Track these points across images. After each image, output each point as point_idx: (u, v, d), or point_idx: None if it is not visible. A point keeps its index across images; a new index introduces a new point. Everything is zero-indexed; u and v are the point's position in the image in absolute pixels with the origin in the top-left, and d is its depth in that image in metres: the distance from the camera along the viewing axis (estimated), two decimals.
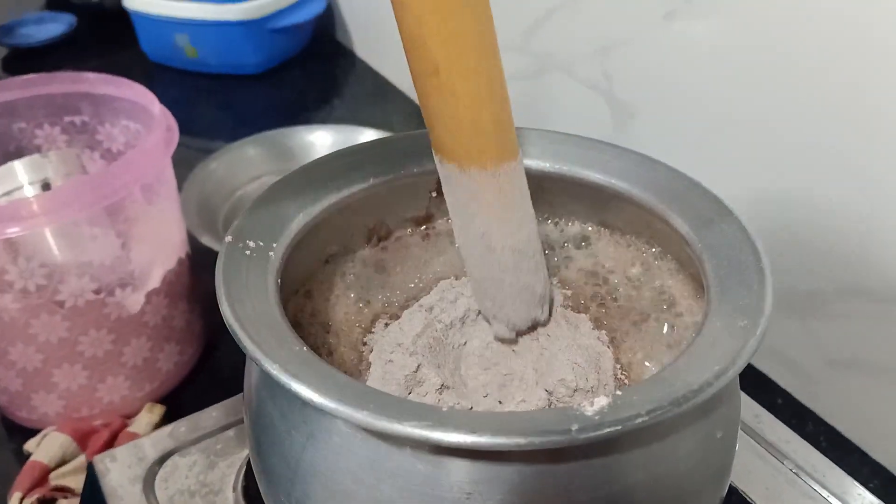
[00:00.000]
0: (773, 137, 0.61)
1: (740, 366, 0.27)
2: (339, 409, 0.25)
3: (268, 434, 0.31)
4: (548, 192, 0.40)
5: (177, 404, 0.66)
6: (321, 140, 0.81)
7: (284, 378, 0.26)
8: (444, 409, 0.25)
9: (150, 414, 0.63)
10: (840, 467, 0.61)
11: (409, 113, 1.03)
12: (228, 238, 0.32)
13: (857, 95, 0.54)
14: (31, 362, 0.59)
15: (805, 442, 0.49)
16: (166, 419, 0.64)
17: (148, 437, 0.47)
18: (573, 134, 0.39)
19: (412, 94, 1.06)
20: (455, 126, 0.30)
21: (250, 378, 0.34)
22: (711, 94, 0.65)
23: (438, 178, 0.39)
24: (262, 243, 0.33)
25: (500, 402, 0.32)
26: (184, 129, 0.62)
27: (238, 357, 0.70)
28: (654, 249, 0.38)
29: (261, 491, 0.34)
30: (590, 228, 0.40)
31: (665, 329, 0.36)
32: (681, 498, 0.30)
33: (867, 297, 0.58)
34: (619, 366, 0.35)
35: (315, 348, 0.35)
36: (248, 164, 0.78)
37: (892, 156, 0.53)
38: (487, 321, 0.34)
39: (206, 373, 0.69)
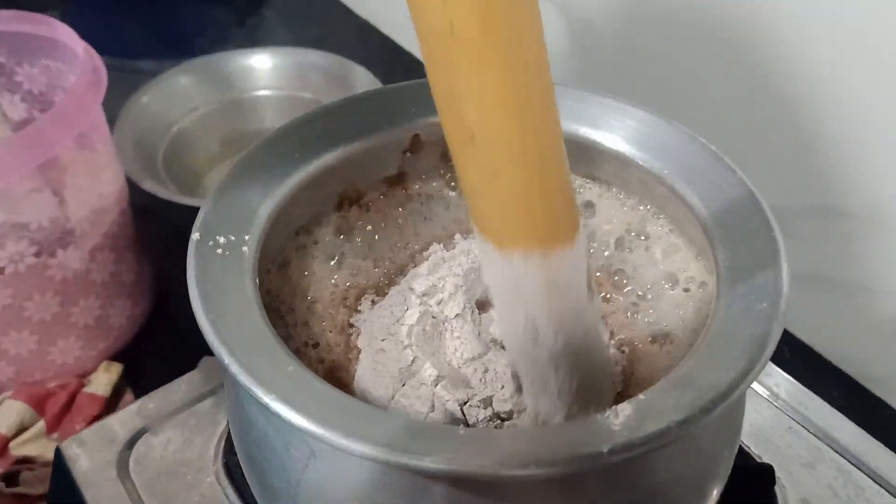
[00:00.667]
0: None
1: (766, 359, 0.25)
2: (351, 446, 0.23)
3: (262, 449, 0.29)
4: None
5: (133, 360, 0.63)
6: (261, 64, 0.75)
7: (287, 412, 0.23)
8: (462, 433, 0.24)
9: (108, 373, 0.61)
10: (804, 376, 0.62)
11: (354, 29, 0.97)
12: (196, 235, 0.29)
13: None
14: None
15: None
16: (125, 377, 0.62)
17: (115, 416, 0.45)
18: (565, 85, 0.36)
19: (357, 7, 0.99)
20: (495, 201, 0.25)
21: (232, 385, 0.32)
22: None
23: (413, 135, 0.37)
24: (232, 237, 0.30)
25: (502, 386, 0.30)
26: (105, 54, 0.57)
27: (190, 305, 0.68)
28: (649, 208, 0.36)
29: (257, 501, 0.32)
30: (588, 186, 0.38)
31: (668, 292, 0.34)
32: (703, 479, 0.30)
33: (829, 216, 0.58)
34: (619, 337, 0.33)
35: (300, 341, 0.32)
36: (182, 95, 0.73)
37: (860, 80, 0.52)
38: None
39: (161, 324, 0.66)
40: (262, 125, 0.76)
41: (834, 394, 0.63)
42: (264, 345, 0.26)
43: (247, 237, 0.30)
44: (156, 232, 0.67)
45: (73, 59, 0.58)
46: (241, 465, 0.32)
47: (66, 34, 0.58)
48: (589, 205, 0.37)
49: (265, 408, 0.24)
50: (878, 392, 0.61)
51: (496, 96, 0.22)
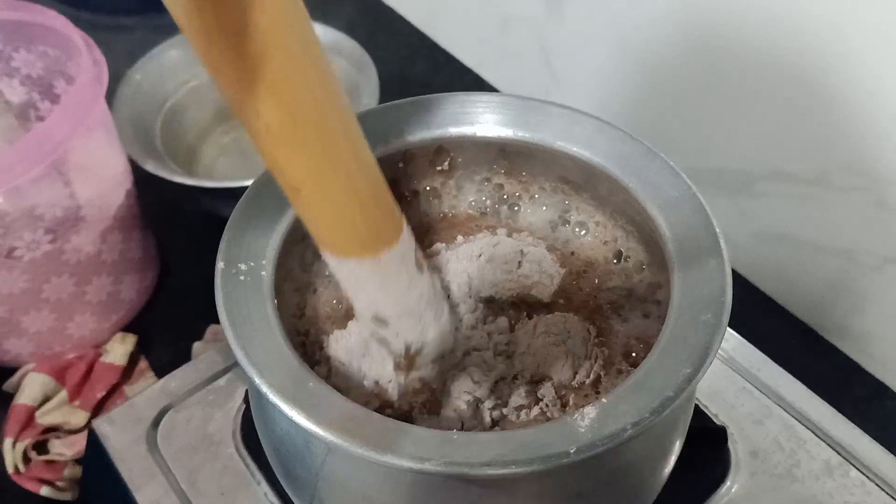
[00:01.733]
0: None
1: (709, 364, 0.30)
2: (364, 453, 0.28)
3: (285, 444, 0.34)
4: (510, 156, 0.42)
5: (145, 328, 0.68)
6: None
7: (308, 425, 0.28)
8: (455, 437, 0.29)
9: (124, 344, 0.66)
10: (763, 325, 0.68)
11: None
12: (220, 265, 0.33)
13: None
14: None
15: None
16: (137, 345, 0.66)
17: (141, 395, 0.49)
18: (534, 98, 0.40)
19: None
20: (325, 229, 0.31)
21: (259, 395, 0.36)
22: None
23: (405, 151, 0.41)
24: (252, 264, 0.34)
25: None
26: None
27: (194, 273, 0.72)
28: (612, 214, 0.41)
29: (281, 483, 0.38)
30: (550, 188, 0.42)
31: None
32: (661, 452, 0.35)
33: (790, 180, 0.63)
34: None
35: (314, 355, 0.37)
36: (173, 69, 0.75)
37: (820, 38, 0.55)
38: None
39: (167, 292, 0.71)
40: None
41: (791, 341, 0.69)
42: (287, 363, 0.31)
43: (264, 262, 0.34)
44: (156, 206, 0.70)
45: (70, 46, 0.60)
46: (266, 454, 0.37)
47: (60, 23, 0.60)
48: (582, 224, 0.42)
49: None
50: (830, 339, 0.67)
51: (310, 166, 0.29)
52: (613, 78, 0.72)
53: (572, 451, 0.28)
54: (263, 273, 0.34)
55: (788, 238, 0.66)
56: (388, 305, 0.33)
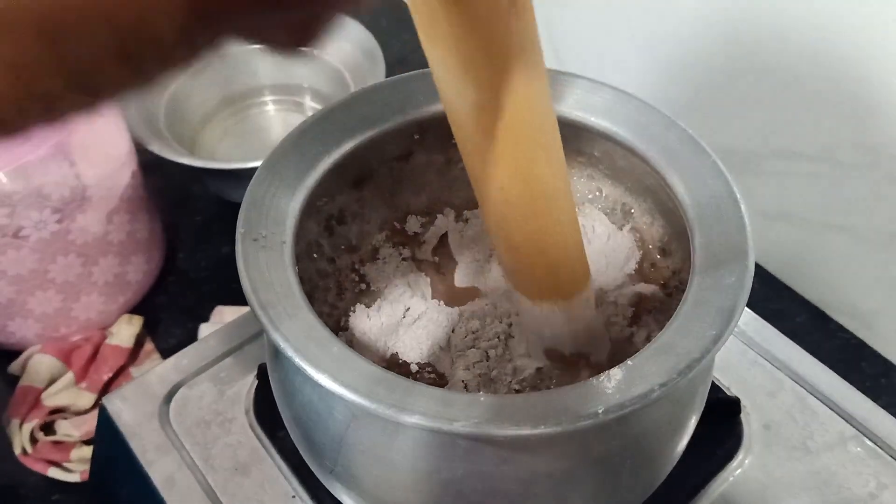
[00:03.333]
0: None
1: (733, 327, 0.30)
2: (392, 415, 0.28)
3: (307, 412, 0.34)
4: None
5: (151, 310, 0.67)
6: None
7: (336, 388, 0.28)
8: (482, 399, 0.29)
9: (130, 325, 0.65)
10: (770, 304, 0.68)
11: None
12: (241, 231, 0.33)
13: None
14: (3, 295, 0.59)
15: None
16: (144, 327, 0.66)
17: (152, 372, 0.49)
18: (550, 69, 0.40)
19: None
20: (531, 281, 0.33)
21: (278, 358, 0.36)
22: None
23: (421, 122, 0.41)
24: (272, 231, 0.34)
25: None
26: None
27: (201, 255, 0.71)
28: (628, 185, 0.41)
29: (301, 454, 0.37)
30: (573, 160, 0.42)
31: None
32: (682, 417, 0.35)
33: (797, 158, 0.63)
34: None
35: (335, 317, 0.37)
36: None
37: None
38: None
39: (174, 275, 0.70)
40: (256, 78, 0.79)
41: (798, 319, 0.69)
42: (310, 328, 0.31)
43: (284, 230, 0.34)
44: (162, 188, 0.70)
45: None
46: (285, 422, 0.37)
47: None
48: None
49: (314, 381, 0.29)
50: (837, 318, 0.67)
51: (535, 230, 0.31)
52: (619, 61, 0.72)
53: (601, 410, 0.28)
54: (284, 241, 0.33)
55: (795, 217, 0.66)
56: (566, 343, 0.34)
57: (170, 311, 0.68)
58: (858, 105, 0.56)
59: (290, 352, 0.29)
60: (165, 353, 0.65)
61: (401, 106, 0.39)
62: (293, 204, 0.35)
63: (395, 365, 0.38)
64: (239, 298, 0.66)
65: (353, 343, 0.37)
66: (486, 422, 0.28)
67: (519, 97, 0.27)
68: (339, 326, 0.40)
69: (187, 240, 0.72)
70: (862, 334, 0.66)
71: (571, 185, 0.32)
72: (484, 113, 0.27)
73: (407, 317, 0.40)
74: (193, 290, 0.69)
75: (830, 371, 0.49)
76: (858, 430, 0.46)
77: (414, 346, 0.37)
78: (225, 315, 0.67)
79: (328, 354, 0.30)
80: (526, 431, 0.28)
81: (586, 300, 0.34)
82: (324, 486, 0.41)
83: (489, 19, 0.25)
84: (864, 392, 0.49)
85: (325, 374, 0.29)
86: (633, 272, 0.40)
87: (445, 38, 0.26)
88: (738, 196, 0.34)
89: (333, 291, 0.41)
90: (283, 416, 0.37)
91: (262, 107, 0.80)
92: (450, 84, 0.27)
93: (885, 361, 0.65)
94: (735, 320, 0.31)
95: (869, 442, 0.46)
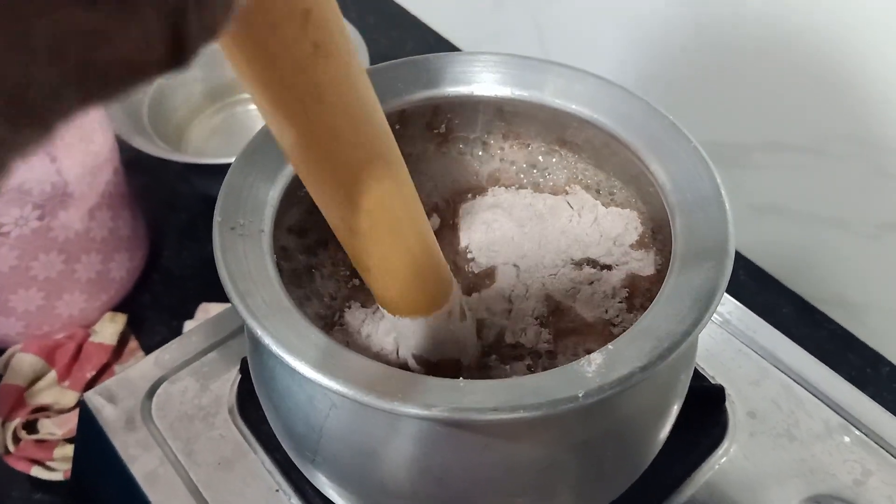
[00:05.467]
0: None
1: (713, 310, 0.30)
2: (371, 401, 0.27)
3: (287, 401, 0.34)
4: (507, 114, 0.41)
5: (135, 308, 0.67)
6: None
7: (315, 375, 0.28)
8: (462, 385, 0.28)
9: (114, 323, 0.65)
10: (758, 297, 0.68)
11: None
12: (218, 219, 0.33)
13: None
14: None
15: None
16: (129, 326, 0.65)
17: (134, 368, 0.49)
18: (532, 57, 0.40)
19: None
20: (388, 299, 0.33)
21: (257, 347, 0.36)
22: None
23: (402, 111, 0.40)
24: (250, 220, 0.33)
25: None
26: None
27: (185, 252, 0.71)
28: (610, 173, 0.41)
29: (281, 444, 0.37)
30: (554, 149, 0.42)
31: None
32: (664, 404, 0.35)
33: (787, 150, 0.63)
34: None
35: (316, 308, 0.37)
36: None
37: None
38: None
39: (158, 273, 0.70)
40: None
41: (784, 310, 0.69)
42: (288, 316, 0.30)
43: (262, 219, 0.33)
44: (146, 186, 0.69)
45: None
46: (266, 414, 0.37)
47: None
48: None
49: (293, 369, 0.29)
50: (824, 309, 0.67)
51: (381, 254, 0.31)
52: (608, 51, 0.72)
53: (581, 395, 0.28)
54: (262, 230, 0.33)
55: (783, 209, 0.66)
56: (429, 351, 0.35)
57: (154, 310, 0.67)
58: (847, 97, 0.56)
59: (267, 339, 0.29)
60: (150, 351, 0.64)
61: (381, 95, 0.39)
62: (272, 193, 0.35)
63: (389, 361, 0.37)
64: (224, 296, 0.66)
65: (350, 343, 0.36)
66: (465, 407, 0.27)
67: (338, 130, 0.27)
68: (334, 323, 0.39)
69: (172, 238, 0.72)
70: (849, 325, 0.66)
71: (420, 205, 0.32)
72: (306, 150, 0.27)
73: None
74: (178, 288, 0.69)
75: (815, 359, 0.49)
76: (844, 418, 0.46)
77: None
78: (210, 312, 0.66)
79: (306, 342, 0.29)
80: (505, 416, 0.27)
81: (448, 314, 0.34)
82: (307, 480, 0.40)
83: (285, 60, 0.24)
84: (851, 382, 0.49)
85: (302, 361, 0.28)
86: (634, 243, 0.40)
87: (246, 77, 0.25)
88: (719, 181, 0.34)
89: (327, 286, 0.41)
90: (263, 407, 0.37)
91: (247, 104, 0.80)
92: (267, 122, 0.27)
93: (872, 352, 0.65)
94: (715, 303, 0.30)
95: (854, 429, 0.46)
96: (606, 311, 0.38)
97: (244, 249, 0.32)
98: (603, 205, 0.41)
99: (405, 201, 0.31)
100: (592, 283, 0.39)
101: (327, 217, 0.30)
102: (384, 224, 0.30)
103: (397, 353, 0.36)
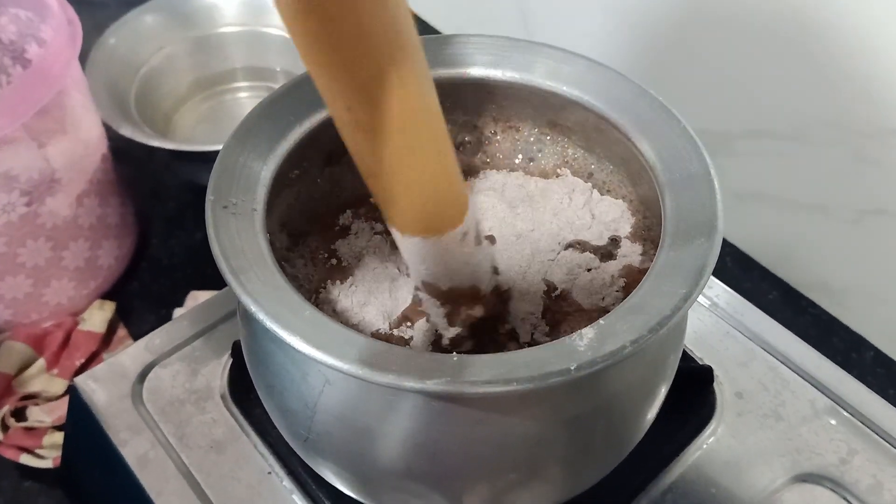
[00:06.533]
0: None
1: (703, 286, 0.31)
2: (367, 376, 0.27)
3: (281, 379, 0.34)
4: (497, 97, 0.41)
5: (124, 296, 0.67)
6: (225, 1, 0.76)
7: (311, 351, 0.28)
8: (455, 359, 0.29)
9: (102, 311, 0.65)
10: (742, 282, 0.69)
11: None
12: (210, 198, 0.33)
13: None
14: None
15: None
16: (118, 314, 0.65)
17: (124, 352, 0.49)
18: (522, 39, 0.40)
19: None
20: (396, 211, 0.31)
21: (250, 324, 0.36)
22: None
23: None
24: (243, 199, 0.33)
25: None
26: None
27: (174, 240, 0.71)
28: (601, 155, 0.41)
29: (274, 423, 0.37)
30: (544, 131, 0.42)
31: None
32: (652, 382, 0.35)
33: (769, 137, 0.63)
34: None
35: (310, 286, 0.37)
36: (148, 35, 0.74)
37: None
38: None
39: (146, 261, 0.70)
40: (229, 62, 0.78)
41: (770, 296, 0.70)
42: (282, 293, 0.30)
43: (255, 198, 0.34)
44: (134, 173, 0.69)
45: (43, 9, 0.59)
46: (259, 393, 0.37)
47: None
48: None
49: (287, 345, 0.29)
50: (809, 294, 0.68)
51: (391, 156, 0.29)
52: (593, 39, 0.72)
53: (573, 367, 0.28)
54: (255, 208, 0.33)
55: (766, 196, 0.66)
56: (440, 277, 0.33)
57: (143, 298, 0.67)
58: (828, 84, 0.57)
59: (261, 315, 0.29)
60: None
61: None
62: (264, 172, 0.35)
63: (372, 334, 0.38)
64: (214, 284, 0.66)
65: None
66: (459, 380, 0.28)
67: None
68: (314, 302, 0.39)
69: (160, 226, 0.72)
70: (833, 310, 0.67)
71: (440, 113, 0.29)
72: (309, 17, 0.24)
73: (379, 289, 0.40)
74: (167, 276, 0.69)
75: (801, 341, 0.50)
76: (829, 398, 0.47)
77: (382, 315, 0.37)
78: (200, 300, 0.66)
79: (300, 318, 0.29)
80: (498, 388, 0.28)
81: (462, 235, 0.32)
82: (300, 461, 0.40)
83: None
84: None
85: (297, 336, 0.29)
86: (628, 235, 0.40)
87: None
88: (708, 160, 0.35)
89: (306, 267, 0.41)
90: (256, 386, 0.37)
91: (235, 93, 0.80)
92: None
93: (856, 336, 0.65)
94: (705, 278, 0.31)
95: (840, 409, 0.47)
96: (603, 299, 0.38)
97: (237, 228, 0.32)
98: (594, 187, 0.42)
99: (423, 99, 0.28)
100: (591, 269, 0.39)
101: (331, 107, 0.28)
102: (396, 117, 0.27)
103: (390, 328, 0.36)
